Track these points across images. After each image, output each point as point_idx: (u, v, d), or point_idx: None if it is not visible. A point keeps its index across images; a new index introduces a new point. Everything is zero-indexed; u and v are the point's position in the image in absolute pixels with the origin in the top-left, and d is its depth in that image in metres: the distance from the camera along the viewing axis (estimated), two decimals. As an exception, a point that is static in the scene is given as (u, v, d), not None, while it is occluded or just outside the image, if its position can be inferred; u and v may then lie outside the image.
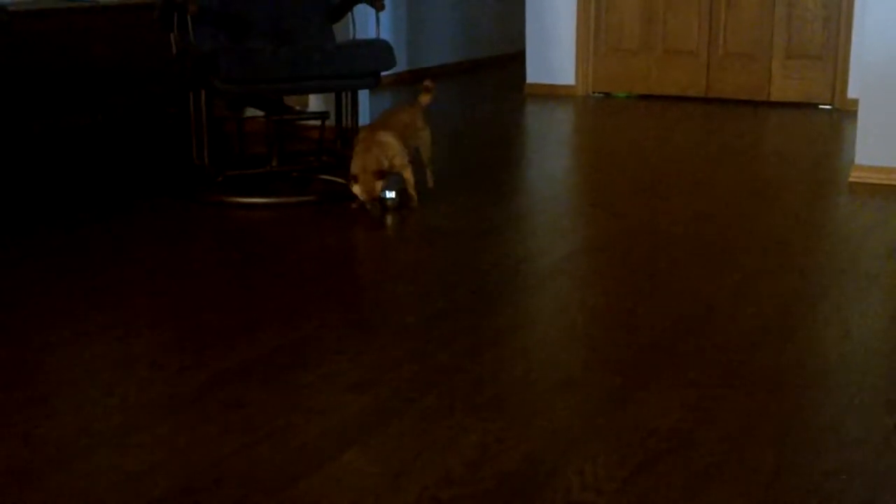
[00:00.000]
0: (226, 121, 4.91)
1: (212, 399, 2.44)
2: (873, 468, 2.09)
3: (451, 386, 2.50)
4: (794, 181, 4.70)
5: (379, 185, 3.96)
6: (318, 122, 4.71)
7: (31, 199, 4.46)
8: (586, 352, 2.80)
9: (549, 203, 4.44)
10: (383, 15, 4.95)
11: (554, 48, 7.35)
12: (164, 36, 4.37)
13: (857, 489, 2.01)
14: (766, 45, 6.78)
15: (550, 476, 2.07)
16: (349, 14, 4.79)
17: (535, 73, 7.46)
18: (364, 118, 5.26)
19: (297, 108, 5.53)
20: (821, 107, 6.63)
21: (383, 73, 4.60)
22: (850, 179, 4.53)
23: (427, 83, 4.49)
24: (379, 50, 4.41)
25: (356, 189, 3.98)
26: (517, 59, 7.99)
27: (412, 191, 4.19)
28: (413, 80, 7.69)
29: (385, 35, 5.22)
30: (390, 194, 4.12)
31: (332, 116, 4.74)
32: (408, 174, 4.14)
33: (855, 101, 5.23)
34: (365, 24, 5.17)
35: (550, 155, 5.58)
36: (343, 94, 4.67)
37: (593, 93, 7.35)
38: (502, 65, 9.05)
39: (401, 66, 7.55)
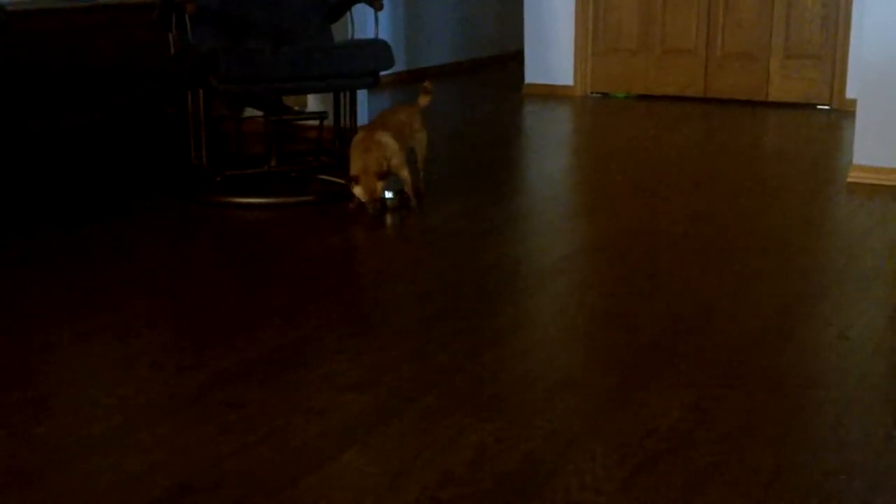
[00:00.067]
0: (224, 120, 4.91)
1: (212, 399, 2.44)
2: (873, 468, 2.09)
3: (451, 386, 2.50)
4: (792, 181, 4.70)
5: (380, 185, 3.97)
6: (316, 122, 4.71)
7: (30, 199, 4.46)
8: (586, 352, 2.80)
9: (549, 203, 4.44)
10: (382, 15, 4.96)
11: (552, 48, 7.35)
12: (163, 35, 4.37)
13: (857, 489, 2.01)
14: (765, 45, 6.78)
15: (550, 476, 2.07)
16: (348, 14, 4.79)
17: (534, 74, 7.46)
18: (362, 118, 5.26)
19: (296, 108, 5.53)
20: (819, 107, 6.64)
21: (382, 73, 4.60)
22: (849, 180, 4.53)
23: (426, 85, 4.49)
24: (378, 50, 4.41)
25: (357, 190, 3.98)
26: (516, 59, 8.00)
27: (410, 191, 4.19)
28: (412, 80, 7.70)
29: (384, 35, 5.22)
30: (389, 195, 4.12)
31: (331, 116, 4.74)
32: (405, 174, 4.14)
33: (853, 102, 5.24)
34: (364, 24, 5.17)
35: (550, 155, 5.59)
36: (342, 94, 4.67)
37: (592, 93, 7.35)
38: (501, 65, 9.06)
39: (399, 65, 7.56)
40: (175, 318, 3.05)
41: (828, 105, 6.63)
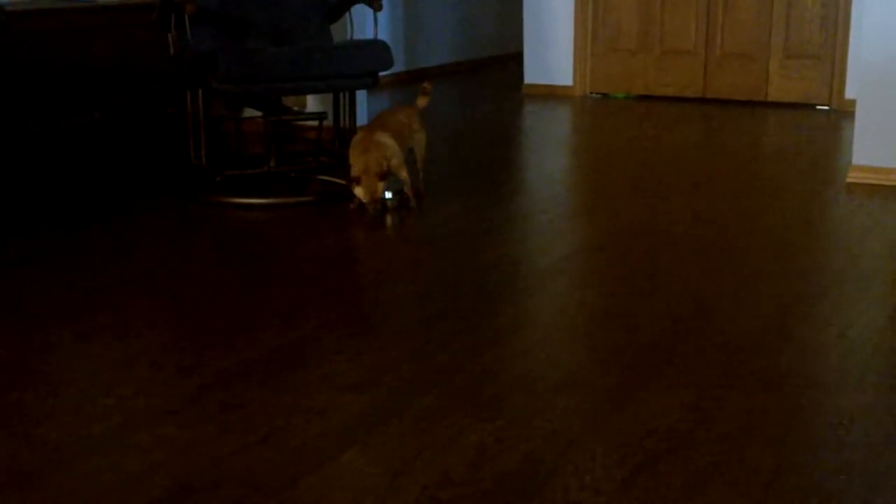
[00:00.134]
0: (224, 121, 4.91)
1: (212, 399, 2.44)
2: (873, 468, 2.09)
3: (451, 386, 2.50)
4: (792, 181, 4.70)
5: (381, 186, 3.97)
6: (315, 123, 4.71)
7: (30, 199, 4.46)
8: (586, 352, 2.80)
9: (549, 203, 4.44)
10: (381, 15, 4.96)
11: (552, 49, 7.35)
12: (163, 36, 4.36)
13: (857, 489, 2.01)
14: (764, 46, 6.78)
15: (550, 476, 2.07)
16: (347, 14, 4.79)
17: (533, 74, 7.46)
18: (362, 119, 5.26)
19: (295, 108, 5.53)
20: (818, 107, 6.64)
21: (381, 74, 4.60)
22: (848, 180, 4.53)
23: (424, 85, 4.50)
24: (377, 50, 4.41)
25: (358, 190, 3.98)
26: (515, 59, 8.00)
27: (410, 191, 4.19)
28: (411, 80, 7.70)
29: (383, 35, 5.22)
30: (389, 195, 4.12)
31: (330, 117, 4.74)
32: (404, 175, 4.14)
33: (852, 102, 5.24)
34: (363, 25, 5.17)
35: (549, 155, 5.59)
36: (341, 95, 4.67)
37: (591, 93, 7.35)
38: (500, 65, 9.06)
39: (399, 66, 7.56)
40: (175, 318, 3.05)
41: (827, 105, 6.63)
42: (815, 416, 2.36)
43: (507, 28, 9.04)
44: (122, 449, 2.20)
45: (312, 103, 5.64)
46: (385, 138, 4.06)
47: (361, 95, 5.60)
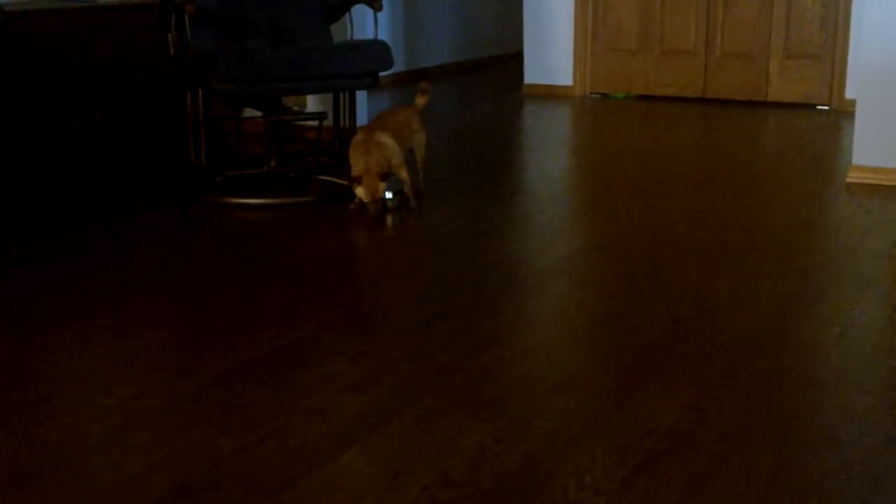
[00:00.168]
0: (224, 121, 4.91)
1: (211, 399, 2.44)
2: (873, 468, 2.09)
3: (451, 386, 2.50)
4: (792, 181, 4.70)
5: (382, 186, 3.97)
6: (315, 123, 4.71)
7: (30, 199, 4.46)
8: (586, 352, 2.80)
9: (549, 203, 4.44)
10: (381, 15, 4.96)
11: (552, 49, 7.35)
12: (163, 36, 4.37)
13: (857, 489, 2.01)
14: (764, 46, 6.79)
15: (550, 476, 2.07)
16: (347, 14, 4.79)
17: (533, 74, 7.46)
18: (362, 119, 5.26)
19: (295, 108, 5.53)
20: (818, 107, 6.64)
21: (381, 74, 4.60)
22: (848, 180, 4.54)
23: (423, 85, 4.50)
24: (377, 50, 4.41)
25: (359, 191, 3.98)
26: (515, 59, 8.00)
27: (410, 191, 4.20)
28: (411, 80, 7.70)
29: (383, 35, 5.22)
30: (389, 195, 4.12)
31: (330, 117, 4.74)
32: (405, 175, 4.15)
33: (852, 102, 5.24)
34: (363, 25, 5.17)
35: (549, 155, 5.59)
36: (341, 95, 4.68)
37: (591, 93, 7.35)
38: (500, 65, 9.06)
39: (399, 66, 7.57)
40: (175, 318, 3.05)
41: (827, 105, 6.63)
42: (815, 416, 2.36)
43: (507, 28, 9.05)
44: (122, 449, 2.20)
45: (312, 103, 5.64)
46: (385, 138, 4.06)
47: (361, 95, 5.60)
